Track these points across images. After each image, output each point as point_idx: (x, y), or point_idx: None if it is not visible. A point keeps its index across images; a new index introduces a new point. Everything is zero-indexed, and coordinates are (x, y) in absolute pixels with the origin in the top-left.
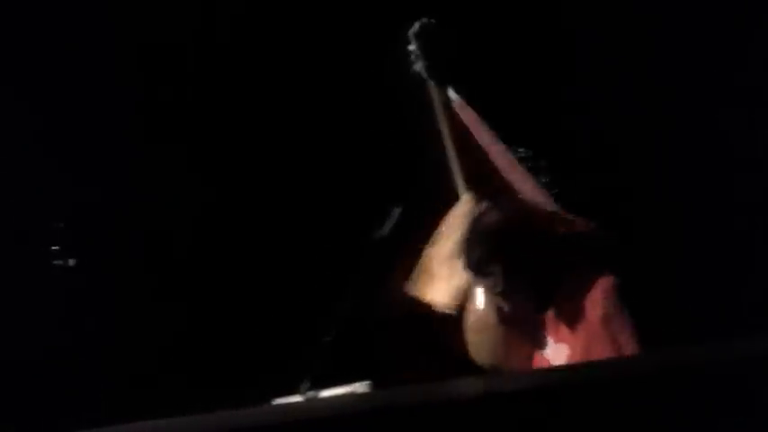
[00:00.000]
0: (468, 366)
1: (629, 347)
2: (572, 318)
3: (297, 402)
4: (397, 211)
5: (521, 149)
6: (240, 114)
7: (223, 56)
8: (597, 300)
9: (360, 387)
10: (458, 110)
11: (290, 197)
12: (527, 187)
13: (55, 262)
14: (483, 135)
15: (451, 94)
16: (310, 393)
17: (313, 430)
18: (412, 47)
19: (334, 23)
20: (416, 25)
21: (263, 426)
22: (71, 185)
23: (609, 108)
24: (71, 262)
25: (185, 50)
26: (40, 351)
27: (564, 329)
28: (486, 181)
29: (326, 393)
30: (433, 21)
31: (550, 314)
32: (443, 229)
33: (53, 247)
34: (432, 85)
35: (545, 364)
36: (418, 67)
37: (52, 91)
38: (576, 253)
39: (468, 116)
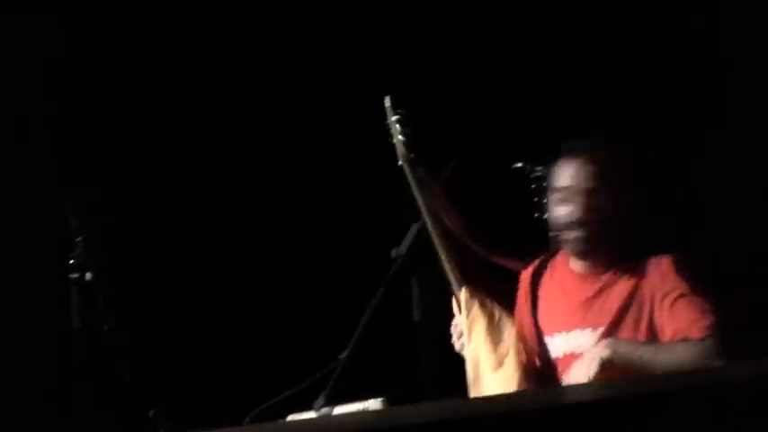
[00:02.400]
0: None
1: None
2: (613, 294)
3: (311, 418)
4: (415, 228)
5: (539, 167)
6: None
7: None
8: (656, 258)
9: (373, 404)
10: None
11: (306, 216)
12: None
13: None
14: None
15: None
16: (324, 410)
17: None
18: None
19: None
20: (388, 99)
21: None
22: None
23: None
24: (88, 276)
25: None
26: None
27: (597, 312)
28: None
29: (340, 410)
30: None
31: (574, 307)
32: (465, 330)
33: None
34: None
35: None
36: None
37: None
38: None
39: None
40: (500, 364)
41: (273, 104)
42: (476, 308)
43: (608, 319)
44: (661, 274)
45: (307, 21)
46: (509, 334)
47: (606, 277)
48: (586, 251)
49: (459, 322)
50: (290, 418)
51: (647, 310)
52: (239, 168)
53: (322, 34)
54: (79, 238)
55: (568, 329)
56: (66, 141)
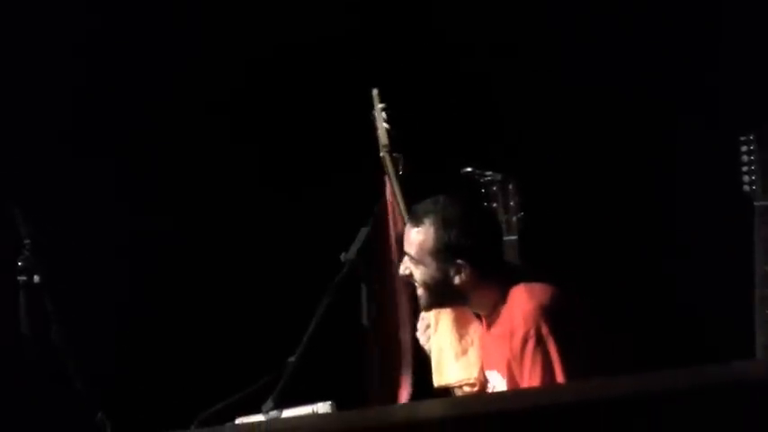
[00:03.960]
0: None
1: (534, 378)
2: (500, 343)
3: (259, 421)
4: (364, 233)
5: (488, 172)
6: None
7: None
8: (519, 324)
9: (322, 407)
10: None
11: (256, 219)
12: None
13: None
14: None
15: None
16: (273, 413)
17: None
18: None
19: None
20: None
21: None
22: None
23: (575, 130)
24: (36, 278)
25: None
26: None
27: (495, 356)
28: None
29: (288, 413)
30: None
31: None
32: (432, 322)
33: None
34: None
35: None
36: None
37: None
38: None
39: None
40: (464, 352)
41: (221, 105)
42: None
43: (505, 368)
44: (515, 352)
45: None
46: (474, 329)
47: (495, 323)
48: (431, 308)
49: (426, 316)
50: (239, 421)
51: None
52: (188, 171)
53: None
54: (27, 241)
55: (489, 368)
56: (13, 143)
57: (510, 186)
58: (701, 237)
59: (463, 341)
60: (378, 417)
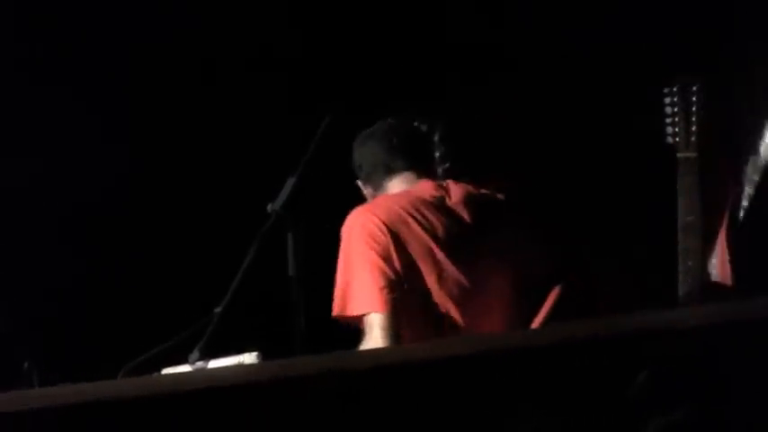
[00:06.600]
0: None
1: None
2: None
3: (185, 372)
4: (291, 182)
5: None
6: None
7: None
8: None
9: (248, 358)
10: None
11: (181, 169)
12: None
13: None
14: None
15: None
16: (199, 363)
17: (201, 400)
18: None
19: None
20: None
21: (151, 395)
22: None
23: (501, 78)
24: None
25: None
26: None
27: None
28: None
29: (215, 363)
30: None
31: None
32: None
33: None
34: None
35: None
36: None
37: None
38: None
39: None
40: None
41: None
42: None
43: None
44: None
45: None
46: None
47: None
48: None
49: None
50: (165, 371)
51: None
52: (119, 117)
53: None
54: None
55: None
56: None
57: (435, 138)
58: (625, 188)
59: None
60: (304, 366)
